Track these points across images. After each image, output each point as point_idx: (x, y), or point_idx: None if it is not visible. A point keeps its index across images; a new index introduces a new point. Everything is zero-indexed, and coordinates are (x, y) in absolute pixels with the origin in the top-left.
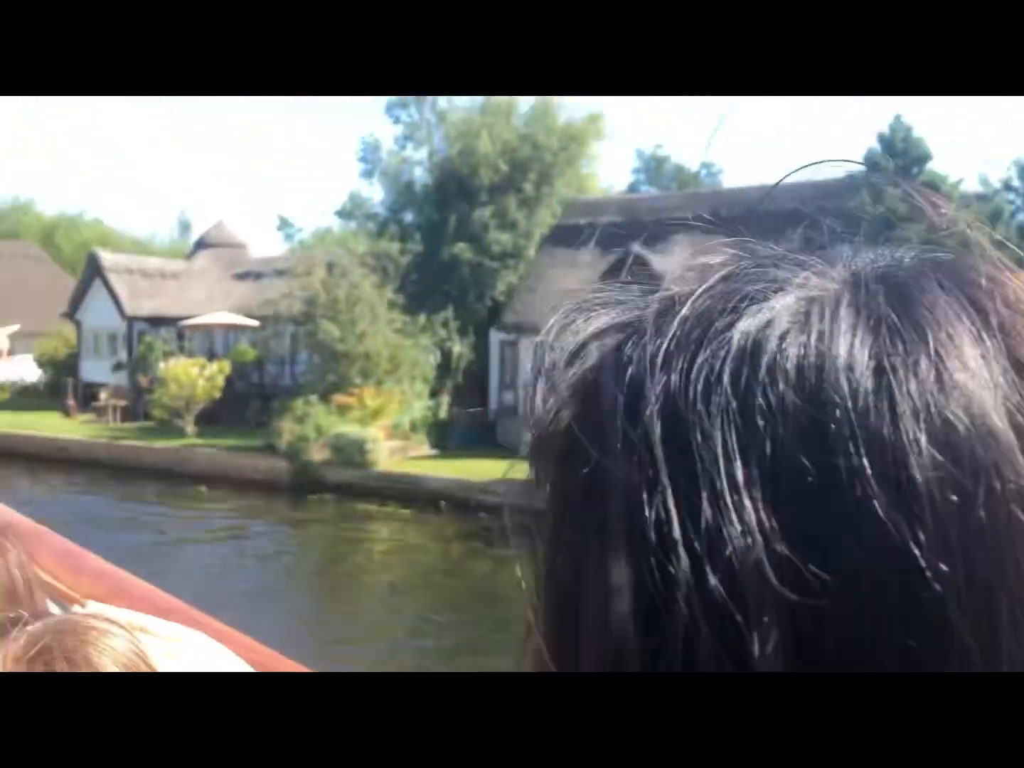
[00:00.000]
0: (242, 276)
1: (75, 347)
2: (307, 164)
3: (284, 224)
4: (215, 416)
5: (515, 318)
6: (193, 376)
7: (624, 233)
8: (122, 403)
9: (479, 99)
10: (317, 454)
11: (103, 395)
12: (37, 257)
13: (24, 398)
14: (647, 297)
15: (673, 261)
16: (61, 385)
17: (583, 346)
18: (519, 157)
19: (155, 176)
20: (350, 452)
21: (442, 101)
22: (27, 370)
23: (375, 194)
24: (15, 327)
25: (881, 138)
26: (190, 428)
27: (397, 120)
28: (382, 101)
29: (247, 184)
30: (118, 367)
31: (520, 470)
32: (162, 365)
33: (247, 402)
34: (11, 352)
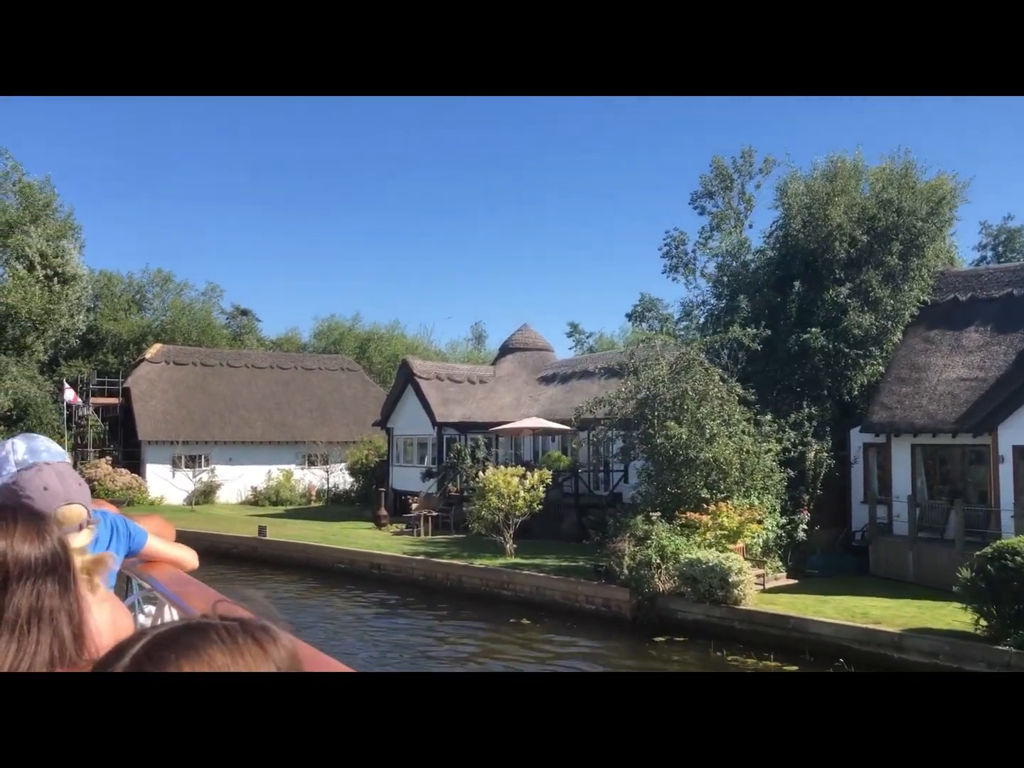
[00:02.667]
0: (548, 379)
1: (385, 455)
2: (590, 270)
3: (574, 330)
4: (527, 528)
5: (884, 415)
6: (514, 486)
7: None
8: (433, 513)
9: (820, 165)
10: (664, 583)
11: (414, 505)
12: (351, 368)
13: (337, 505)
14: None
15: None
16: (371, 493)
17: None
18: (880, 226)
19: (454, 292)
20: (709, 584)
21: (766, 177)
22: (340, 478)
23: (671, 290)
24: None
25: None
26: (509, 544)
27: (703, 211)
28: (684, 196)
29: (537, 292)
30: (428, 475)
31: (932, 617)
32: (480, 475)
33: (559, 513)
34: (327, 460)
